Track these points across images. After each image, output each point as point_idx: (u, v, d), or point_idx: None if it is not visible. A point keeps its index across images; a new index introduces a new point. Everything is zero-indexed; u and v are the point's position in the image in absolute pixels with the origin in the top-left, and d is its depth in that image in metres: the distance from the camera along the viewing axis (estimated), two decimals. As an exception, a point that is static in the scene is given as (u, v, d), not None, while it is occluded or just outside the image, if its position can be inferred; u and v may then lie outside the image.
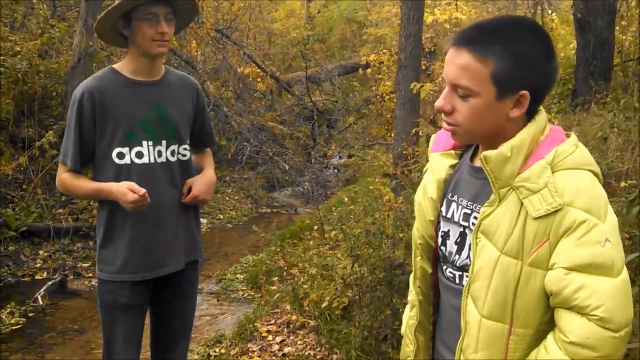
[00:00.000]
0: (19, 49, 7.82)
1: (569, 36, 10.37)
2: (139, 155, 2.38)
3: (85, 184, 2.41)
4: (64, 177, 2.41)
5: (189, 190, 2.49)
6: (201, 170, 2.63)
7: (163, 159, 2.43)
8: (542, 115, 1.36)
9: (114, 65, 2.46)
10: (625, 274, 1.27)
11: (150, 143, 2.39)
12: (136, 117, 2.37)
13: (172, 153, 2.46)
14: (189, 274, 2.59)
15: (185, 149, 2.51)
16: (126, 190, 2.25)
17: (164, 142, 2.42)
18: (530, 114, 1.35)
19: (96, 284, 2.54)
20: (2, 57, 7.51)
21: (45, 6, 9.93)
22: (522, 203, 1.29)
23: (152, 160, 2.40)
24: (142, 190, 2.25)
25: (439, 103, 1.37)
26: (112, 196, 2.30)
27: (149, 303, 2.56)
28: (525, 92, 1.30)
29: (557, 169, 1.29)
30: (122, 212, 2.33)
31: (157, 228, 2.41)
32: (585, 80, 6.48)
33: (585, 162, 1.32)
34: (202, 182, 2.53)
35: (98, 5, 7.54)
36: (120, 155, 2.36)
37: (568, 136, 1.38)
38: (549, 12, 12.57)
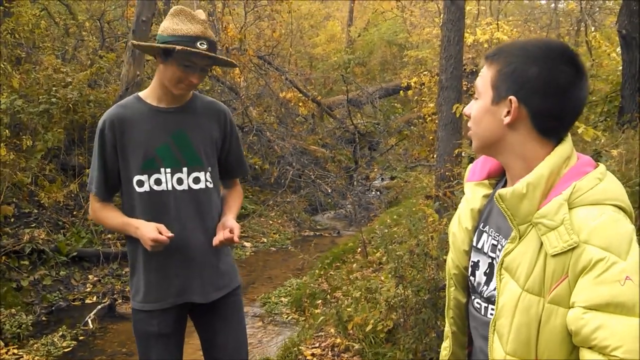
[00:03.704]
0: (70, 79, 8.11)
1: (613, 53, 10.17)
2: (158, 182, 2.35)
3: (115, 216, 2.40)
4: (94, 207, 2.44)
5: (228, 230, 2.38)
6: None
7: (184, 186, 2.37)
8: (564, 146, 1.33)
9: (139, 93, 2.45)
10: None
11: (169, 170, 2.35)
12: (155, 144, 2.34)
13: (196, 180, 2.39)
14: (230, 300, 2.54)
15: (210, 176, 2.44)
16: (153, 229, 2.23)
17: (184, 169, 2.37)
18: (548, 135, 1.33)
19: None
20: (54, 88, 7.82)
21: (94, 38, 10.32)
22: (541, 240, 1.27)
23: (170, 188, 2.35)
24: (170, 234, 2.23)
25: (465, 109, 1.45)
26: (139, 232, 2.26)
27: (183, 331, 2.53)
28: (513, 97, 1.32)
29: (575, 205, 1.26)
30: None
31: (179, 257, 2.37)
32: (632, 97, 6.34)
33: (608, 197, 1.27)
34: (238, 226, 2.43)
35: (145, 36, 7.79)
36: (140, 183, 2.34)
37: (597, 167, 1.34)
38: (592, 29, 12.38)
